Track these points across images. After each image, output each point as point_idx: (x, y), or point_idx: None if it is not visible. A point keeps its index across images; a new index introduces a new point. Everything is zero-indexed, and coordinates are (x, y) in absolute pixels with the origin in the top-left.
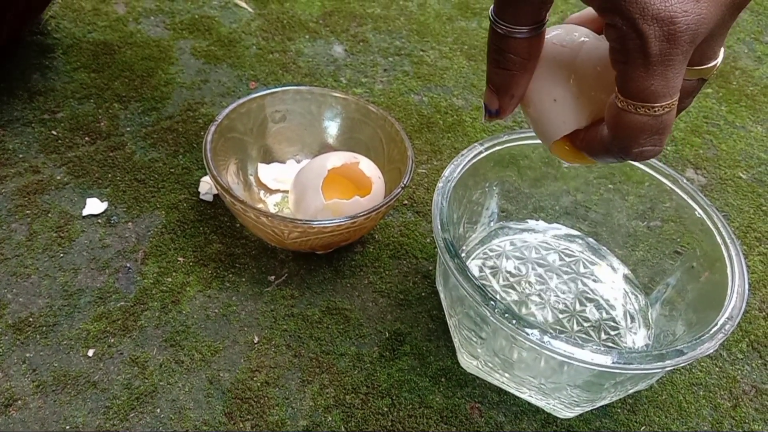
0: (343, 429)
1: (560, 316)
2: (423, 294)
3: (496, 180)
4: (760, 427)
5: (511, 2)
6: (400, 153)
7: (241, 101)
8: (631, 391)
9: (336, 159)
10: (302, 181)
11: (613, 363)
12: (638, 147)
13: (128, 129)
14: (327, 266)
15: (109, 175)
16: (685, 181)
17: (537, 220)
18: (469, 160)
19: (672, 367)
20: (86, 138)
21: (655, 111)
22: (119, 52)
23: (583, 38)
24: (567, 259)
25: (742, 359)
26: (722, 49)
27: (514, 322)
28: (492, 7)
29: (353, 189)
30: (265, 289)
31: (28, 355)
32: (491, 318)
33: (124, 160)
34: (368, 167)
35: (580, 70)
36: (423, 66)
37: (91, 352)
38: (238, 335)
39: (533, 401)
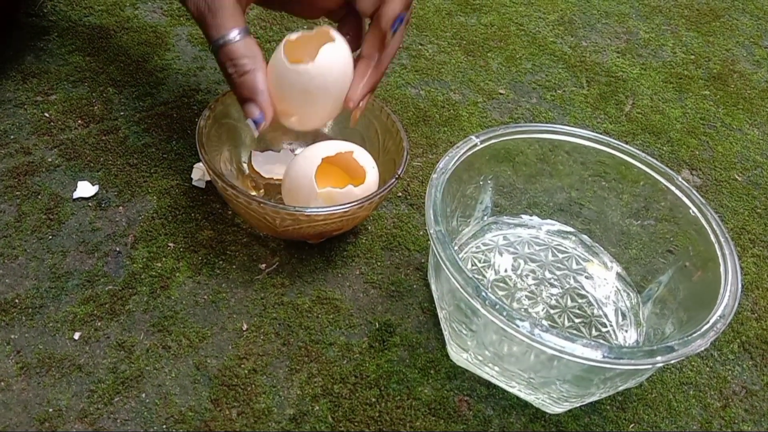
0: (330, 418)
1: (551, 311)
2: (414, 286)
3: (491, 174)
4: (750, 428)
5: (211, 17)
6: (395, 144)
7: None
8: (621, 388)
9: (330, 148)
10: (295, 169)
11: (603, 358)
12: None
13: (122, 113)
14: (318, 256)
15: (101, 159)
16: (680, 179)
17: (531, 215)
18: (464, 153)
19: (662, 364)
20: (79, 121)
21: None
22: (115, 37)
23: None
24: (560, 256)
25: (732, 360)
26: None
27: (504, 314)
28: (210, 44)
29: (347, 178)
30: (255, 276)
31: (12, 336)
32: (482, 310)
33: (117, 144)
34: (362, 157)
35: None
36: (421, 60)
37: (77, 335)
38: (227, 322)
39: (522, 395)
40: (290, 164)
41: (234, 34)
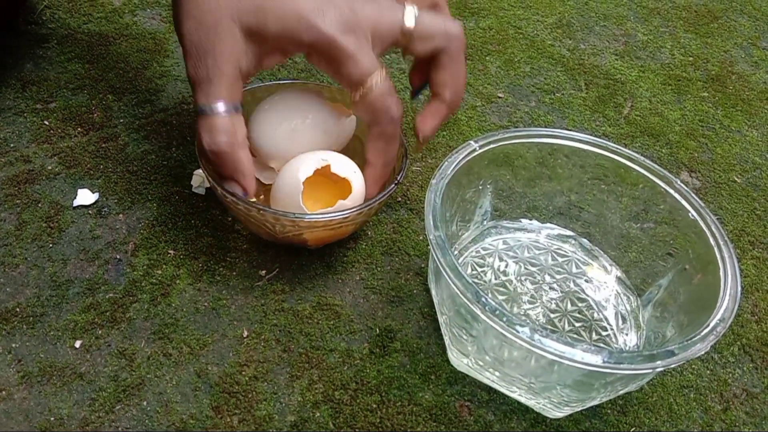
0: (331, 425)
1: (551, 315)
2: (414, 291)
3: (490, 179)
4: (750, 431)
5: (206, 82)
6: None
7: None
8: (621, 392)
9: (306, 167)
10: (282, 198)
11: (603, 363)
12: (395, 106)
13: (121, 121)
14: (318, 261)
15: (101, 167)
16: (679, 183)
17: (530, 219)
18: (463, 158)
19: (663, 368)
20: (79, 129)
21: (381, 76)
22: (114, 44)
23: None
24: (559, 259)
25: (733, 362)
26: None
27: (504, 319)
28: (194, 108)
29: (333, 187)
30: (255, 283)
31: (14, 345)
32: (482, 315)
33: (117, 152)
34: (341, 167)
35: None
36: None
37: (78, 344)
38: (228, 329)
39: (523, 400)
40: (273, 193)
41: (220, 106)
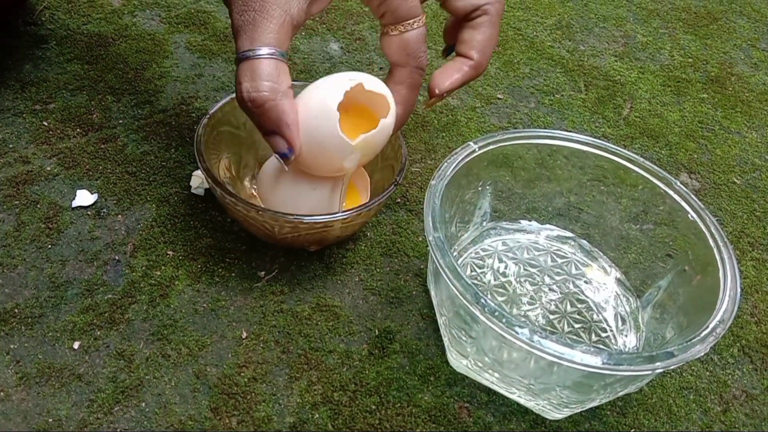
0: (330, 426)
1: (551, 317)
2: (414, 292)
3: (490, 180)
4: None
5: (251, 28)
6: (393, 150)
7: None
8: (620, 394)
9: (334, 92)
10: (314, 132)
11: (602, 364)
12: (425, 55)
13: (121, 122)
14: (318, 262)
15: (100, 167)
16: (678, 184)
17: (530, 220)
18: (462, 159)
19: (662, 369)
20: (78, 129)
21: (422, 21)
22: (113, 45)
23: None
24: (559, 261)
25: (732, 364)
26: None
27: (504, 321)
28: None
29: (360, 116)
30: (254, 284)
31: (12, 346)
32: (481, 317)
33: (116, 153)
34: (373, 84)
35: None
36: None
37: (76, 345)
38: (227, 330)
39: (522, 402)
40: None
41: (264, 50)
